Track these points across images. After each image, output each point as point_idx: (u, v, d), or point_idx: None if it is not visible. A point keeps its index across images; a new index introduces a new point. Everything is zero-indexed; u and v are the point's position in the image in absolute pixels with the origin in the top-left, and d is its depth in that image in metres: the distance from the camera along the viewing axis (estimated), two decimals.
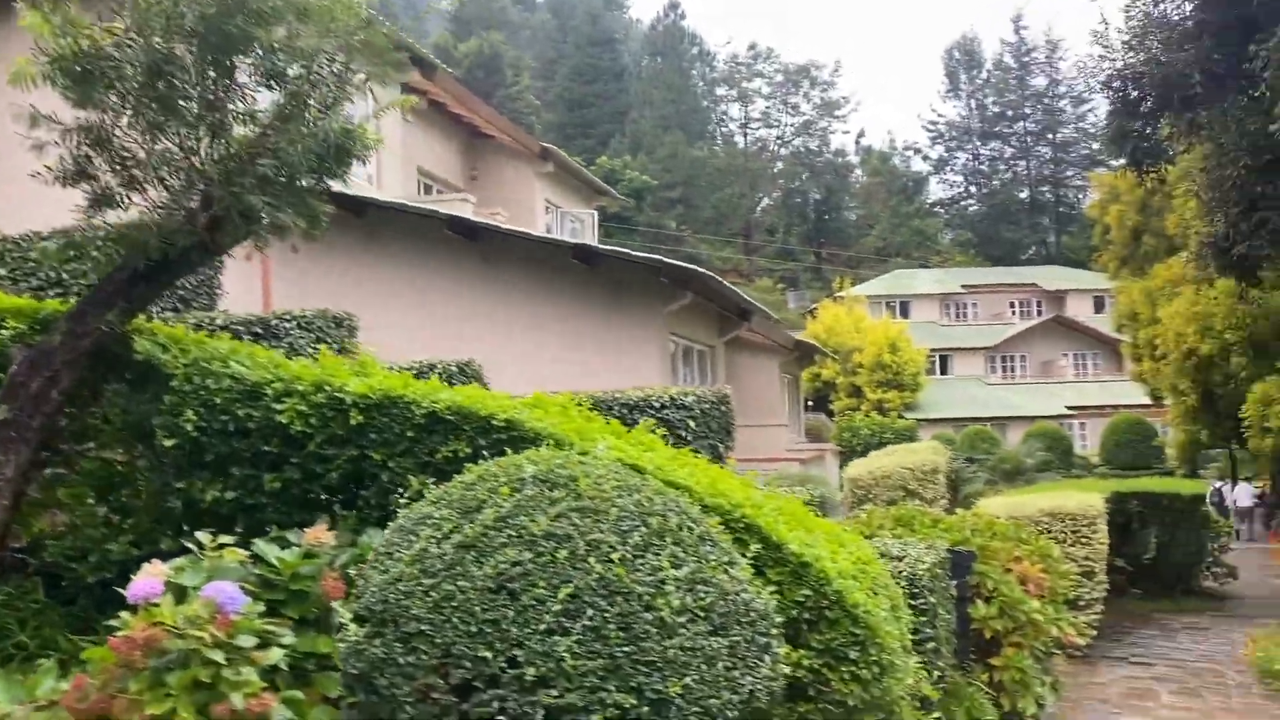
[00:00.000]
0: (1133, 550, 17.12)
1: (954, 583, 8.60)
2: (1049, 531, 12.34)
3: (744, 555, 4.02)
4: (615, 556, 3.33)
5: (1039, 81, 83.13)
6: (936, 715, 5.99)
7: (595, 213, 25.66)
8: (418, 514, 3.71)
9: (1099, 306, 58.25)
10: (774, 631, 3.63)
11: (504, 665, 3.16)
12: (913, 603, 7.80)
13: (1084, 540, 12.19)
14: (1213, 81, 15.45)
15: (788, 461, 14.87)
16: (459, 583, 3.30)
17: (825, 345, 51.83)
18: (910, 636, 7.68)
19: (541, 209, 23.04)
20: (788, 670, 4.11)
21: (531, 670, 3.12)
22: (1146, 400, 36.12)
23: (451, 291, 14.23)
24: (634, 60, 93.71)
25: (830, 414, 44.69)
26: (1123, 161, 18.47)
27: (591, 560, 3.31)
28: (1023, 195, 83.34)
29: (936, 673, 7.88)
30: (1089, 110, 75.39)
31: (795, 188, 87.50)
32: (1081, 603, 12.23)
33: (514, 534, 3.41)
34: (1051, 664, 11.04)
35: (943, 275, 66.21)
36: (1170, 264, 25.64)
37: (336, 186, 6.25)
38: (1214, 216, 16.29)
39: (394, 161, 19.04)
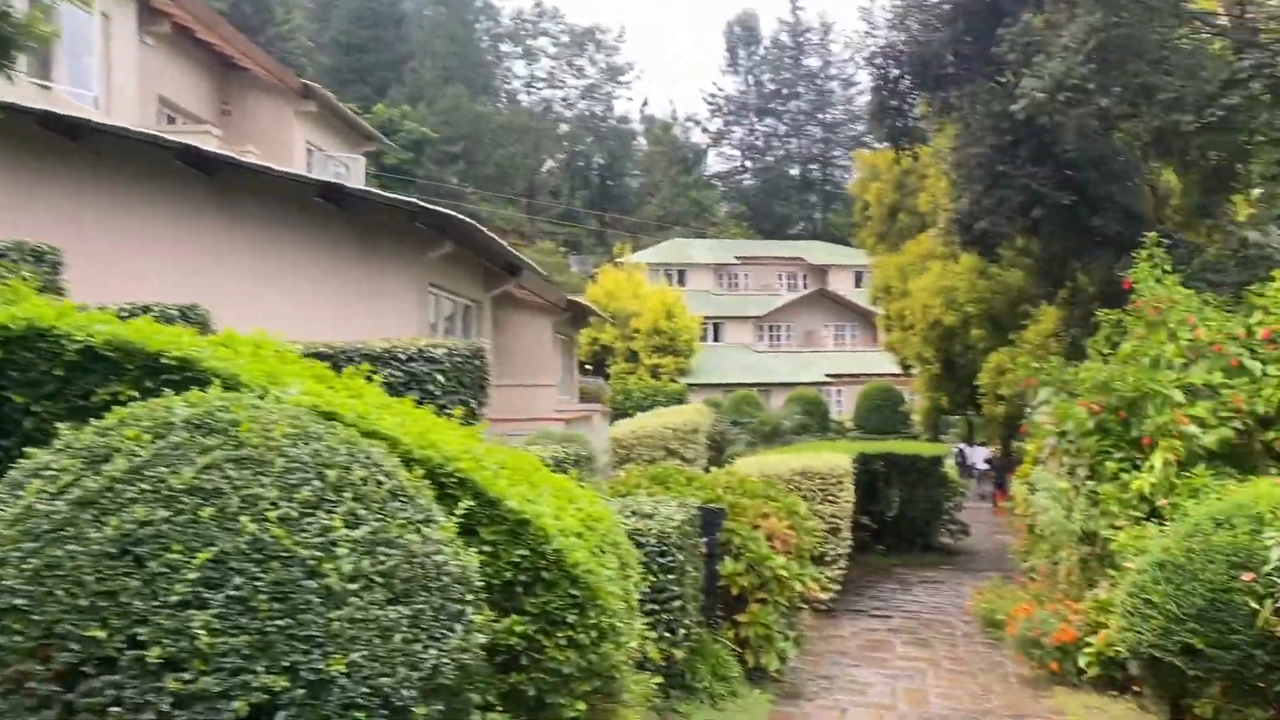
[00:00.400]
0: (877, 508, 18.01)
1: (704, 540, 8.52)
2: (799, 490, 12.63)
3: (452, 513, 3.57)
4: (274, 515, 2.78)
5: (812, 62, 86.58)
6: (658, 680, 5.73)
7: (363, 158, 24.22)
8: (33, 464, 3.00)
9: (858, 281, 61.52)
10: (469, 597, 3.19)
11: (122, 645, 2.56)
12: (661, 560, 7.62)
13: (831, 498, 12.56)
14: (964, 63, 16.24)
15: (553, 422, 14.52)
16: (69, 547, 2.65)
17: (605, 310, 52.03)
18: (650, 596, 7.50)
19: (302, 151, 21.47)
20: (500, 639, 3.71)
21: (157, 651, 2.54)
22: (897, 370, 38.49)
23: (186, 232, 12.87)
24: (415, 7, 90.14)
25: (607, 378, 44.97)
26: (883, 136, 19.23)
27: (244, 519, 2.75)
28: (794, 172, 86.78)
29: (683, 630, 7.76)
30: (857, 93, 79.28)
31: (579, 151, 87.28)
32: (828, 558, 12.62)
33: (148, 488, 2.78)
34: (797, 618, 11.31)
35: (718, 246, 67.99)
36: (921, 240, 27.15)
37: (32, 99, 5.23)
38: (961, 194, 17.21)
39: (129, 86, 17.13)
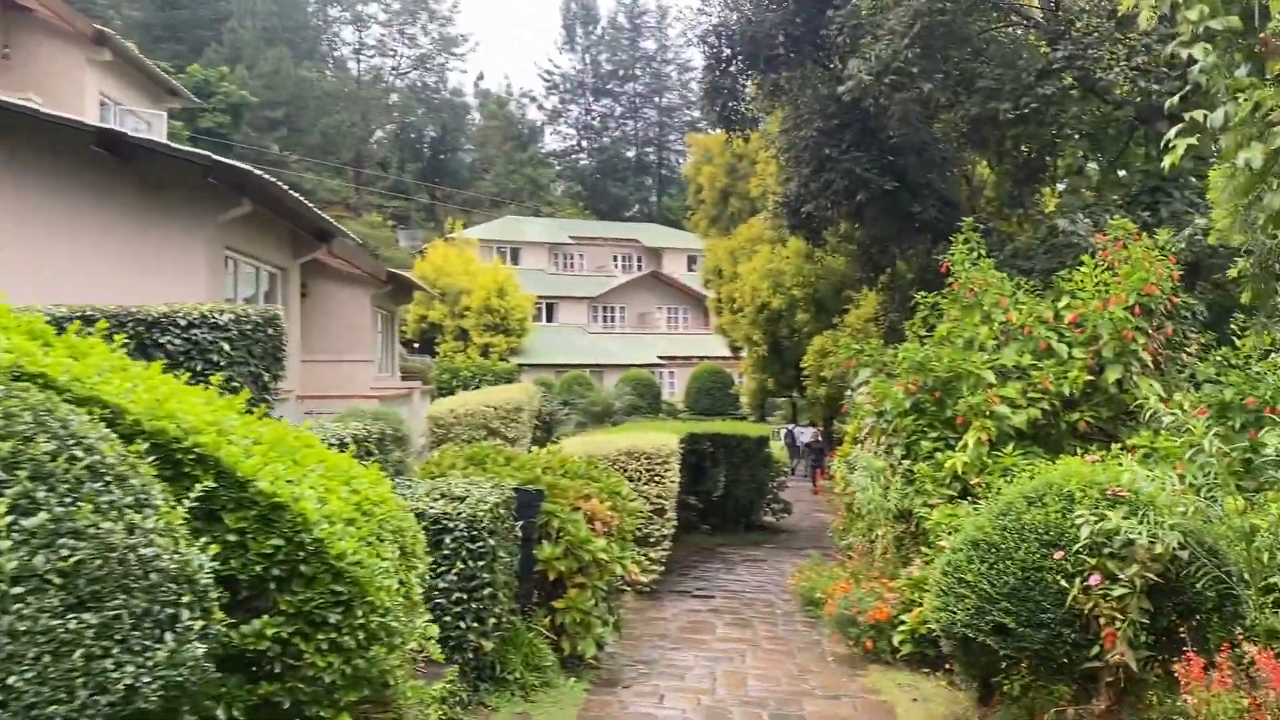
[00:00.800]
0: (704, 488, 17.99)
1: (520, 523, 8.05)
2: (625, 471, 12.33)
3: (183, 498, 2.96)
4: None
5: (649, 45, 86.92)
6: (446, 684, 5.26)
7: (165, 114, 22.41)
8: None
9: (692, 265, 62.28)
10: (189, 598, 2.61)
11: None
12: (471, 546, 7.10)
13: (658, 478, 12.32)
14: (794, 45, 16.27)
15: (367, 399, 13.69)
16: None
17: (435, 287, 50.52)
18: (458, 584, 6.99)
19: (95, 103, 19.57)
20: (248, 644, 3.12)
21: None
22: (727, 352, 39.06)
23: None
24: None
25: (435, 356, 43.69)
26: (715, 118, 19.15)
27: None
28: (630, 154, 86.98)
29: (493, 620, 7.27)
30: (693, 78, 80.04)
31: (411, 123, 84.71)
32: (652, 539, 12.38)
33: None
34: (619, 602, 11.00)
35: (553, 225, 67.35)
36: (752, 223, 27.46)
37: None
38: (789, 177, 17.31)
39: None
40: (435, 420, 12.79)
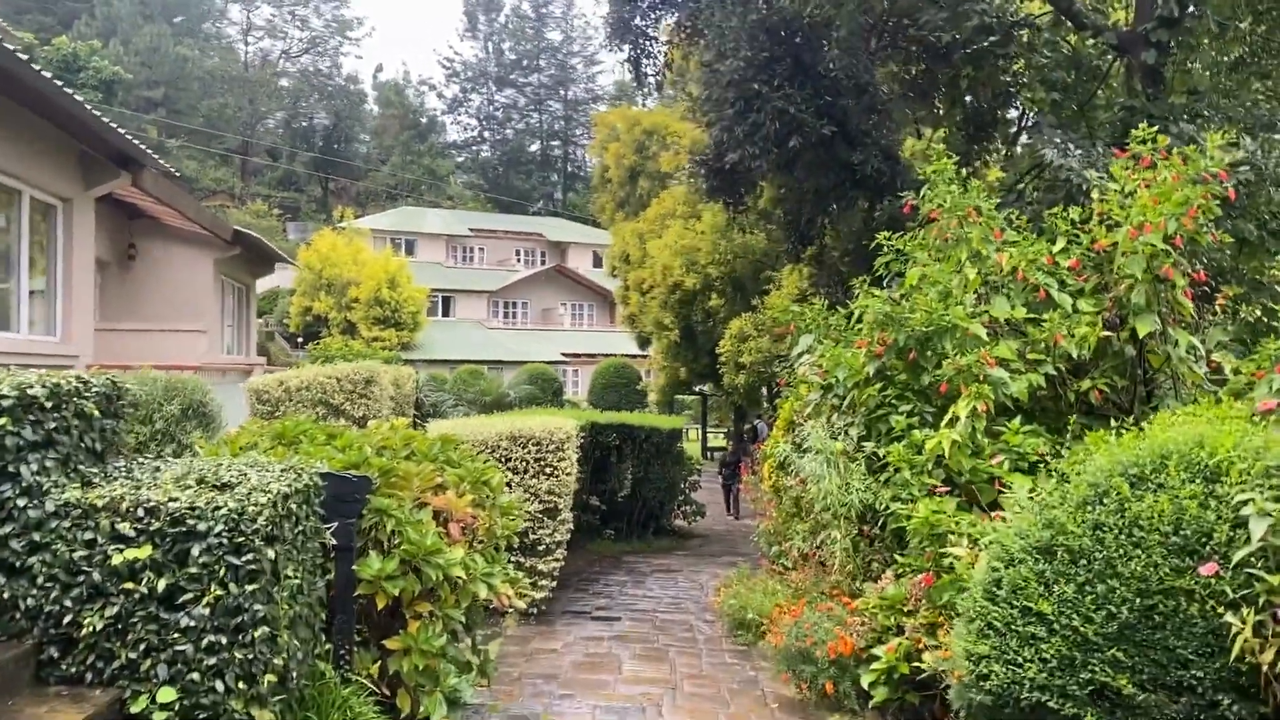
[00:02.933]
0: (608, 487, 15.55)
1: (332, 526, 5.46)
2: (508, 460, 9.78)
3: None
4: None
5: (554, 35, 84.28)
6: None
7: None
8: None
9: (597, 261, 60.02)
10: None
11: None
12: (236, 562, 4.49)
13: (549, 470, 9.79)
14: None
15: (190, 371, 10.86)
16: None
17: (320, 277, 47.00)
18: (211, 623, 4.38)
19: None
20: None
21: None
22: (635, 350, 36.72)
23: None
24: None
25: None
26: (624, 59, 16.71)
27: None
28: (534, 148, 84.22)
29: (272, 676, 4.67)
30: (599, 71, 77.82)
31: (302, 109, 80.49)
32: (541, 547, 9.86)
33: None
34: (494, 630, 8.45)
35: (451, 217, 64.30)
36: (663, 199, 25.13)
37: None
38: (711, 122, 14.95)
39: None
40: (259, 394, 10.03)
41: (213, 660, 4.35)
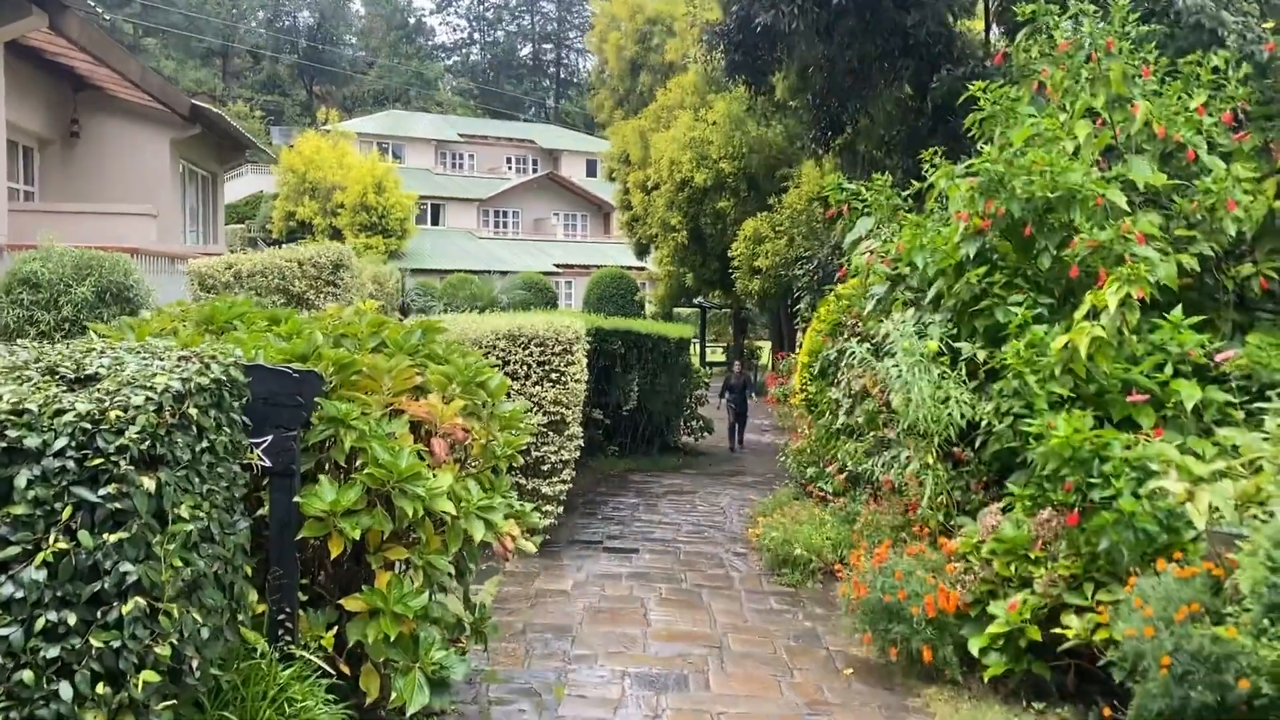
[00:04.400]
0: (611, 399, 14.00)
1: (263, 441, 3.83)
2: (506, 365, 8.13)
3: None
4: None
5: None
6: None
7: None
8: None
9: (591, 170, 57.75)
10: None
11: None
12: (87, 495, 2.87)
13: (555, 376, 8.16)
14: None
15: (123, 251, 9.16)
16: None
17: (304, 181, 44.82)
18: (58, 590, 2.75)
19: None
20: None
21: None
22: (631, 263, 34.89)
23: None
24: None
25: None
26: None
27: None
28: (525, 51, 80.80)
29: (151, 673, 3.08)
30: None
31: (285, 7, 76.85)
32: (546, 468, 8.28)
33: None
34: (483, 569, 6.93)
35: (440, 121, 61.61)
36: (669, 88, 23.04)
37: None
38: None
39: None
40: (202, 279, 8.31)
41: (54, 651, 2.75)
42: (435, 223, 52.33)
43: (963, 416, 5.80)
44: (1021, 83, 7.29)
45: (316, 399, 3.97)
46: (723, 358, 33.80)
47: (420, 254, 46.95)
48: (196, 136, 14.77)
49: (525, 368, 8.08)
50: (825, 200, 17.49)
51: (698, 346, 34.29)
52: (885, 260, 7.58)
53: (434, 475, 4.14)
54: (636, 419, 14.80)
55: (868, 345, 6.96)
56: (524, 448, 7.97)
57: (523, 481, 8.09)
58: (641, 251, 29.64)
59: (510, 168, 60.29)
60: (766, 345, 34.90)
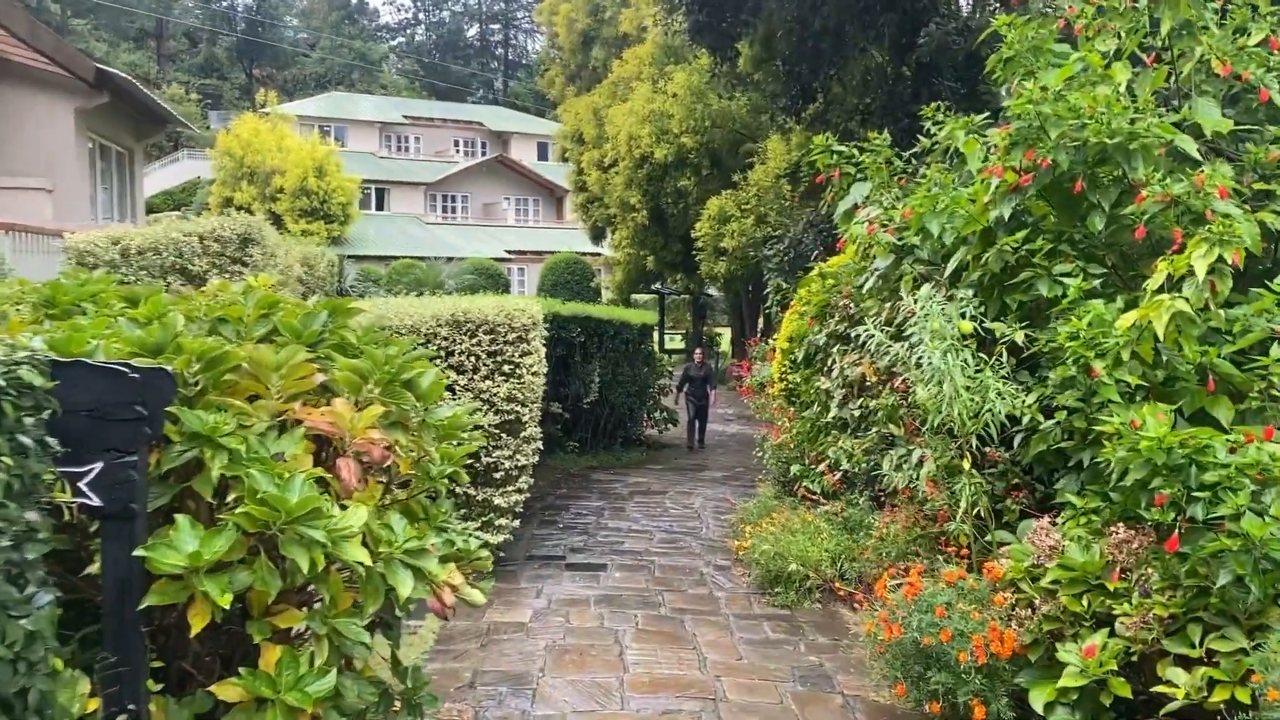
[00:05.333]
0: (570, 391, 12.90)
1: (87, 471, 2.66)
2: (449, 355, 6.99)
3: None
4: None
5: None
6: None
7: None
8: None
9: (543, 154, 56.44)
10: None
11: None
12: None
13: (508, 370, 7.02)
14: None
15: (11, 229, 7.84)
16: None
17: (243, 165, 43.04)
18: None
19: None
20: None
21: None
22: (587, 248, 33.74)
23: None
24: None
25: None
26: None
27: None
28: (472, 32, 78.95)
29: None
30: None
31: None
32: (499, 475, 7.15)
33: None
34: (421, 610, 5.75)
35: (384, 103, 59.82)
36: (625, 59, 21.85)
37: None
38: None
39: None
40: (81, 255, 7.01)
41: None
42: (380, 208, 50.72)
43: (998, 411, 4.77)
44: (1043, 22, 6.27)
45: (169, 408, 2.81)
46: (682, 345, 32.81)
47: (364, 240, 45.40)
48: (107, 107, 13.34)
49: (473, 359, 6.93)
50: (794, 176, 16.50)
51: (656, 334, 33.33)
52: (889, 230, 6.55)
53: (341, 511, 3.00)
54: (598, 412, 13.73)
55: (881, 328, 5.89)
56: (475, 451, 6.86)
57: (472, 492, 6.95)
58: (597, 235, 28.49)
59: (458, 151, 58.74)
60: (726, 332, 33.98)
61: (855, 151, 7.67)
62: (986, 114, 5.99)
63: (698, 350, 15.87)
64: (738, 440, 16.17)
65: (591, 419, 13.69)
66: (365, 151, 53.78)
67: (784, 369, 9.99)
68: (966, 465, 4.85)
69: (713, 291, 32.78)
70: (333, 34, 72.46)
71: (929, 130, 7.18)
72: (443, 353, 6.86)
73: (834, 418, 7.77)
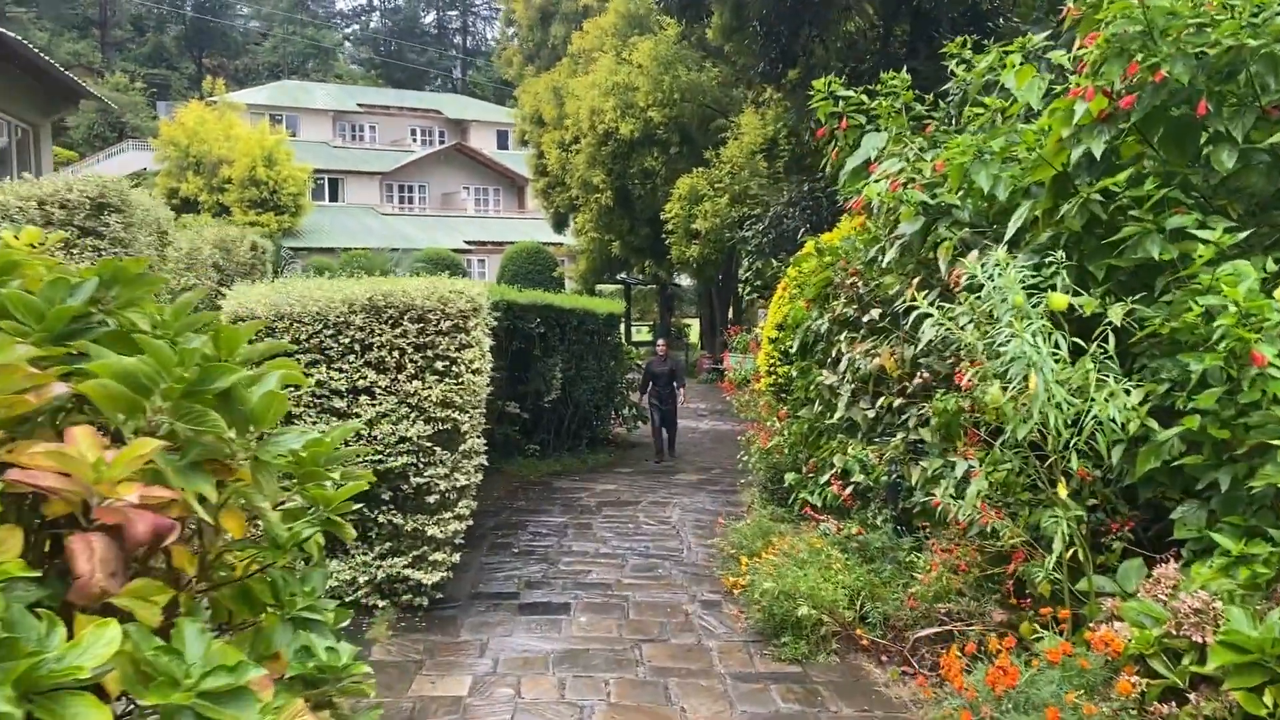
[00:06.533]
0: (529, 388, 11.52)
1: None
2: (366, 350, 5.58)
3: None
4: None
5: None
6: None
7: None
8: None
9: (502, 143, 54.86)
10: None
11: None
12: None
13: (442, 367, 5.63)
14: None
15: None
16: None
17: (187, 155, 41.19)
18: None
19: None
20: None
21: None
22: (549, 238, 32.30)
23: None
24: None
25: None
26: None
27: None
28: (429, 19, 77.00)
29: None
30: None
31: None
32: (432, 499, 5.74)
33: None
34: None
35: (338, 91, 57.83)
36: (586, 30, 20.41)
37: None
38: None
39: None
40: None
41: None
42: (334, 199, 48.94)
43: (1111, 418, 3.46)
44: None
45: None
46: (650, 337, 31.51)
47: (317, 231, 43.68)
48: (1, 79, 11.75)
49: (395, 354, 5.51)
50: (772, 151, 15.19)
51: (623, 326, 31.96)
52: (917, 184, 5.23)
53: (67, 636, 1.62)
54: (560, 411, 12.37)
55: (931, 304, 4.56)
56: (401, 468, 5.45)
57: (399, 520, 5.55)
58: (560, 223, 27.07)
59: (415, 139, 56.99)
60: (695, 323, 32.69)
61: (865, 98, 6.36)
62: (1047, 33, 4.68)
63: (660, 342, 13.42)
64: (711, 438, 14.89)
65: (554, 419, 12.32)
66: (318, 141, 51.99)
67: (773, 361, 8.68)
68: (1063, 492, 3.53)
69: (681, 281, 31.46)
70: (285, 21, 70.28)
71: (951, 72, 5.91)
72: (358, 346, 5.45)
73: (840, 418, 6.46)
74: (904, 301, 5.26)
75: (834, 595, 5.22)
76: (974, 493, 4.04)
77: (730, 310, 23.03)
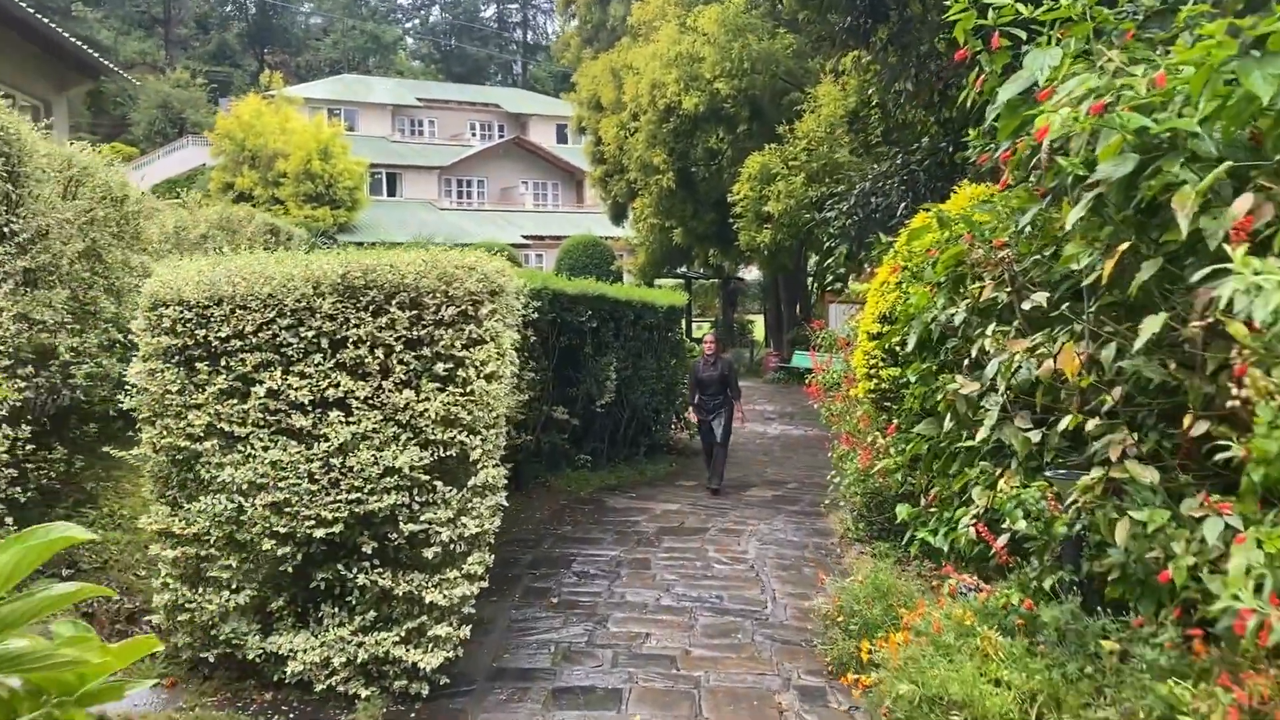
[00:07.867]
0: (579, 391, 9.98)
1: None
2: (335, 351, 4.03)
3: None
4: None
5: None
6: None
7: None
8: None
9: (562, 136, 53.58)
10: None
11: None
12: None
13: (444, 371, 4.10)
14: None
15: None
16: None
17: (244, 148, 40.59)
18: None
19: None
20: None
21: None
22: (608, 232, 30.86)
23: None
24: None
25: None
26: None
27: None
28: (489, 13, 76.09)
29: None
30: None
31: None
32: (432, 553, 4.19)
33: None
34: None
35: (397, 85, 57.12)
36: (647, 1, 18.77)
37: None
38: None
39: None
40: None
41: None
42: (391, 193, 48.13)
43: None
44: None
45: None
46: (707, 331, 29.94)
47: (374, 226, 42.73)
48: (6, 49, 10.56)
49: (380, 353, 3.98)
50: (854, 123, 13.45)
51: (684, 321, 30.34)
52: (1126, 108, 3.56)
53: None
54: (615, 416, 10.83)
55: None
56: (389, 508, 3.93)
57: (386, 581, 4.03)
58: (618, 215, 25.57)
59: (474, 134, 56.05)
60: (759, 319, 30.96)
61: (1020, 7, 4.67)
62: None
63: (706, 338, 10.29)
64: (781, 444, 13.26)
65: (608, 425, 10.79)
66: (377, 135, 51.31)
67: (873, 361, 7.01)
68: None
69: (744, 276, 29.70)
70: (345, 15, 69.96)
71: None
72: (327, 342, 3.93)
73: (984, 440, 4.79)
74: (1099, 276, 3.61)
75: (1001, 706, 3.57)
76: (1269, 588, 2.38)
77: (798, 306, 21.31)
